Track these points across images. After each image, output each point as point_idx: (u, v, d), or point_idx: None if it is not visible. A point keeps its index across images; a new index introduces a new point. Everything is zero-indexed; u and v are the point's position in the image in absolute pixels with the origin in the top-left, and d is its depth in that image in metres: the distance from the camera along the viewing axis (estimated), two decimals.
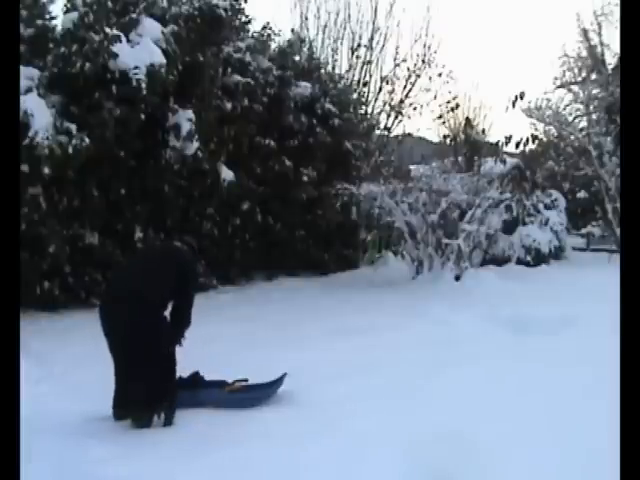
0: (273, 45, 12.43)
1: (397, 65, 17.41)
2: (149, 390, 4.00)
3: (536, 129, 16.26)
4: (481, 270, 10.47)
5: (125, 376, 4.05)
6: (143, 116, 8.24)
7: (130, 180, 8.65)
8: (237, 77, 10.27)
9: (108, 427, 3.98)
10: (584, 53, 15.93)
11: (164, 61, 8.20)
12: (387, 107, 17.50)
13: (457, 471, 3.18)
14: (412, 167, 17.03)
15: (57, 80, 7.80)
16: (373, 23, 17.29)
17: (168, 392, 4.10)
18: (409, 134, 19.18)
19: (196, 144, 8.80)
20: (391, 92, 17.40)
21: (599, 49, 15.74)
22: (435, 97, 17.74)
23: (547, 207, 13.86)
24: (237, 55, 10.51)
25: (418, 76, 17.46)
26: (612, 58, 15.17)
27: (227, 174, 9.76)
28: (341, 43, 17.21)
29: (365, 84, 17.09)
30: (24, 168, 6.83)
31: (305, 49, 13.58)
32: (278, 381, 4.50)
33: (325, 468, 3.27)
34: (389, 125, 17.69)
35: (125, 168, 8.58)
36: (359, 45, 17.16)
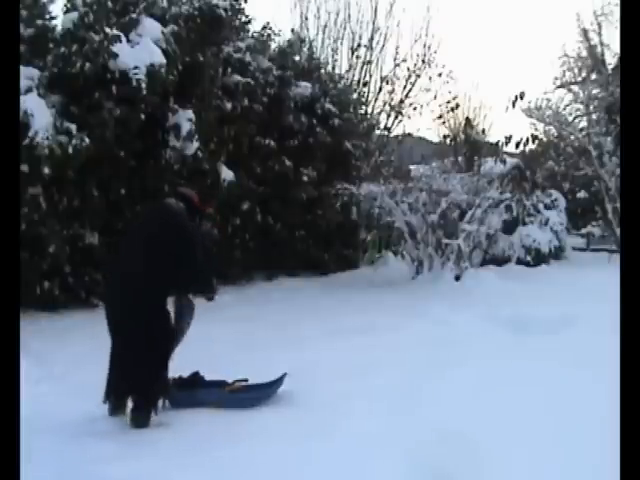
0: (273, 45, 12.44)
1: (397, 65, 17.45)
2: (148, 383, 4.06)
3: (536, 129, 16.27)
4: (481, 270, 10.47)
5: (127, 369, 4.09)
6: (143, 116, 8.24)
7: (130, 180, 8.64)
8: (237, 77, 10.27)
9: (108, 427, 3.98)
10: (584, 53, 15.93)
11: (164, 61, 8.20)
12: (387, 107, 17.54)
13: (457, 471, 3.18)
14: (412, 167, 17.04)
15: (57, 80, 7.80)
16: (373, 23, 17.33)
17: (161, 381, 4.14)
18: (409, 134, 19.19)
19: (196, 144, 8.80)
20: (391, 92, 17.43)
21: (599, 49, 15.74)
22: (435, 97, 17.79)
23: (547, 207, 13.86)
24: (237, 55, 10.51)
25: (418, 76, 17.49)
26: (612, 58, 15.18)
27: (227, 174, 9.75)
28: (341, 43, 17.26)
29: (365, 84, 17.10)
30: (24, 168, 6.82)
31: (305, 49, 13.58)
32: (278, 381, 4.50)
33: (325, 468, 3.27)
34: (389, 125, 17.73)
35: (125, 168, 8.57)
36: (359, 45, 17.17)
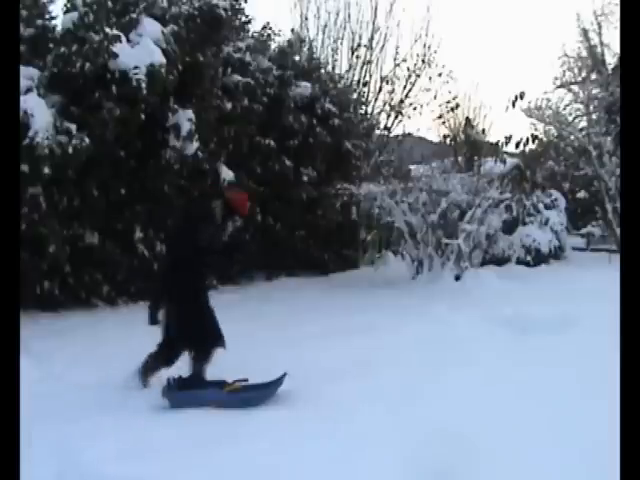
0: (273, 45, 12.46)
1: (397, 65, 17.44)
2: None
3: (536, 129, 16.30)
4: (481, 270, 10.47)
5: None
6: (143, 116, 8.24)
7: (130, 180, 8.64)
8: (237, 77, 10.28)
9: (108, 427, 3.98)
10: (584, 53, 15.98)
11: (164, 61, 8.20)
12: (387, 107, 17.53)
13: (457, 471, 3.18)
14: (412, 167, 17.02)
15: (57, 80, 7.80)
16: (373, 23, 17.32)
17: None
18: (409, 134, 19.16)
19: (196, 144, 8.80)
20: (391, 92, 17.42)
21: (599, 49, 15.77)
22: (435, 97, 17.77)
23: (547, 207, 13.88)
24: (237, 55, 10.53)
25: (418, 76, 17.48)
26: (612, 58, 15.22)
27: (227, 174, 9.75)
28: (341, 43, 17.26)
29: (365, 84, 17.09)
30: (24, 168, 6.82)
31: (305, 49, 13.59)
32: (278, 381, 4.50)
33: (325, 468, 3.27)
34: (389, 125, 17.73)
35: (125, 168, 8.57)
36: (359, 45, 17.17)
